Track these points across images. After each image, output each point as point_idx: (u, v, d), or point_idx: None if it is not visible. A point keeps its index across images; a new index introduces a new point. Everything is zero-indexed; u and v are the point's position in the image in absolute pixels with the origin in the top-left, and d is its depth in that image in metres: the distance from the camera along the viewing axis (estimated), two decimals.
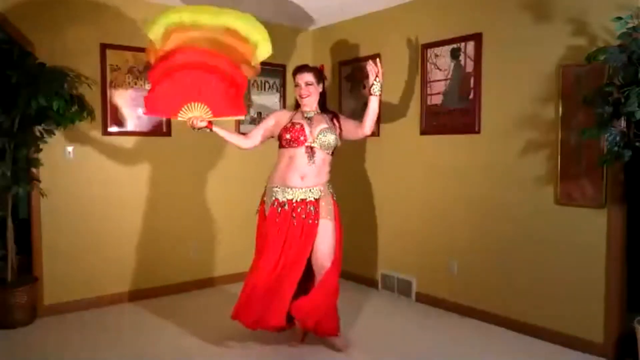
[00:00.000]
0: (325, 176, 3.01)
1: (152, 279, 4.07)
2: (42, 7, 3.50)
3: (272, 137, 3.07)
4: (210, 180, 4.34)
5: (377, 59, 2.91)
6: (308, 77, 2.98)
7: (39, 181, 3.48)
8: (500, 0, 3.34)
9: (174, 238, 4.17)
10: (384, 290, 4.22)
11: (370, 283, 4.35)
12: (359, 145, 4.37)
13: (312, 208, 2.92)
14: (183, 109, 2.82)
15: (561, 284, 3.08)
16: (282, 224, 2.90)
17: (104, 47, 3.76)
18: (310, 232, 2.91)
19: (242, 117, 3.02)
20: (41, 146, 3.42)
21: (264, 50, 2.96)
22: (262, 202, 3.05)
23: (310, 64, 3.26)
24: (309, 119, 2.99)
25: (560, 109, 3.03)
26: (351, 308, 3.29)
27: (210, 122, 2.87)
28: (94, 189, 3.77)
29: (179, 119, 2.86)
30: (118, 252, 3.90)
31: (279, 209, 2.92)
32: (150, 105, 2.86)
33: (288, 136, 2.91)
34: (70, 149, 3.66)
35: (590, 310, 2.96)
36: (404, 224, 4.07)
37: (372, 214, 4.35)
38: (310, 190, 2.93)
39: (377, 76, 2.86)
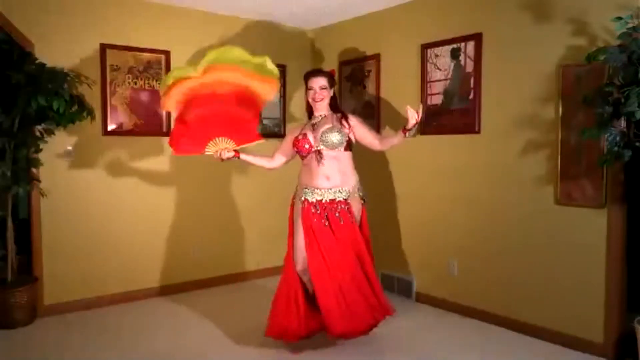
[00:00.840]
0: (352, 176, 3.06)
1: (152, 278, 4.07)
2: (42, 7, 3.50)
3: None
4: (211, 179, 4.34)
5: (420, 104, 2.90)
6: (322, 81, 3.06)
7: (39, 181, 3.48)
8: (500, 0, 3.34)
9: (174, 237, 4.17)
10: (384, 290, 4.21)
11: None
12: (358, 146, 4.37)
13: (343, 207, 2.97)
14: (209, 144, 2.98)
15: (561, 284, 3.08)
16: (317, 226, 2.92)
17: (104, 47, 3.76)
18: (346, 231, 2.95)
19: (262, 141, 3.14)
20: (41, 146, 3.42)
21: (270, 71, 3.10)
22: (292, 203, 3.12)
23: (315, 67, 3.29)
24: (315, 124, 3.06)
25: (560, 109, 3.03)
26: None
27: (237, 151, 3.02)
28: (94, 188, 3.78)
29: (207, 153, 3.00)
30: (118, 252, 3.90)
31: (312, 209, 2.94)
32: (178, 146, 3.02)
33: (296, 149, 3.06)
34: (70, 149, 3.66)
35: (590, 310, 2.96)
36: (404, 223, 4.07)
37: (371, 214, 4.33)
38: (339, 190, 2.98)
39: (417, 123, 2.82)
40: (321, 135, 2.97)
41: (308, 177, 3.01)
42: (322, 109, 3.08)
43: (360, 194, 3.10)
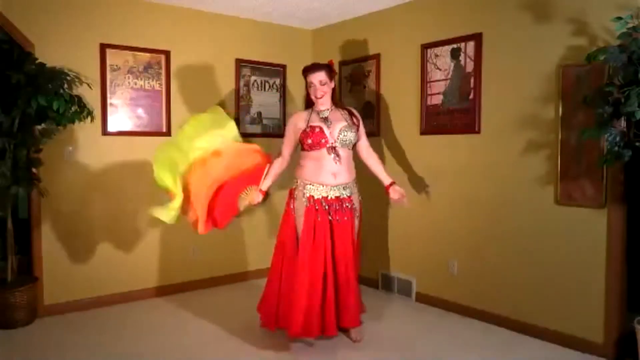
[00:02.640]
0: (354, 172, 3.10)
1: (152, 279, 4.07)
2: (42, 7, 3.50)
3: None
4: None
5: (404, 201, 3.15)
6: (321, 75, 3.00)
7: (39, 181, 3.48)
8: (500, 0, 3.34)
9: (174, 238, 4.16)
10: (384, 290, 4.22)
11: (370, 283, 4.35)
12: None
13: (348, 205, 3.01)
14: (240, 201, 3.13)
15: (561, 284, 3.08)
16: (321, 223, 2.94)
17: (104, 47, 3.76)
18: (347, 228, 3.00)
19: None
20: (41, 146, 3.42)
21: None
22: (292, 199, 3.06)
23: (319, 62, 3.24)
24: (325, 118, 3.03)
25: (560, 109, 3.03)
26: None
27: (262, 191, 3.13)
28: (94, 189, 3.77)
29: (241, 209, 3.18)
30: (118, 252, 3.90)
31: (317, 206, 2.95)
32: (207, 226, 3.08)
33: (310, 141, 2.96)
34: (70, 149, 3.66)
35: (590, 310, 2.96)
36: (404, 223, 4.07)
37: (371, 214, 4.34)
38: (343, 187, 3.01)
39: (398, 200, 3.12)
40: (339, 133, 2.97)
41: (313, 173, 2.97)
42: (325, 104, 3.05)
43: (357, 187, 3.16)
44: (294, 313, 2.85)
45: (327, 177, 2.96)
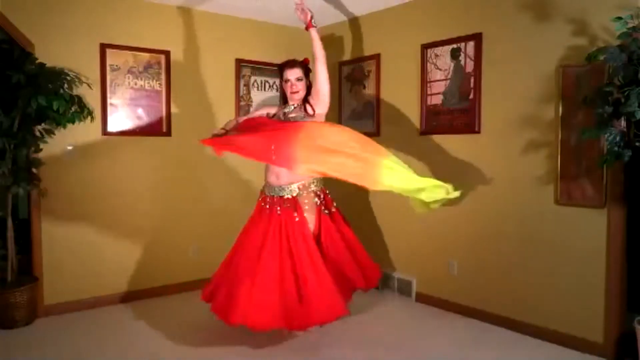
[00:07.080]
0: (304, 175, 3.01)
1: (152, 279, 4.07)
2: (42, 7, 3.50)
3: None
4: (210, 180, 4.34)
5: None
6: (298, 72, 3.09)
7: (39, 181, 3.48)
8: (500, 0, 3.34)
9: (173, 238, 4.17)
10: (384, 290, 4.22)
11: None
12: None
13: (288, 205, 2.99)
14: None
15: (561, 284, 3.08)
16: (263, 219, 3.03)
17: (104, 47, 3.76)
18: (291, 228, 2.94)
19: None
20: (41, 146, 3.42)
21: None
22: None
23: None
24: (286, 114, 3.09)
25: (560, 109, 3.03)
26: (351, 308, 3.30)
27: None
28: (93, 188, 3.77)
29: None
30: (118, 252, 3.90)
31: (263, 204, 3.11)
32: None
33: None
34: (70, 149, 3.66)
35: (590, 310, 2.96)
36: (404, 223, 4.07)
37: (371, 214, 4.35)
38: (285, 188, 3.02)
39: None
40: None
41: (265, 171, 3.13)
42: (297, 100, 3.11)
43: (314, 188, 3.06)
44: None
45: (272, 178, 3.06)
